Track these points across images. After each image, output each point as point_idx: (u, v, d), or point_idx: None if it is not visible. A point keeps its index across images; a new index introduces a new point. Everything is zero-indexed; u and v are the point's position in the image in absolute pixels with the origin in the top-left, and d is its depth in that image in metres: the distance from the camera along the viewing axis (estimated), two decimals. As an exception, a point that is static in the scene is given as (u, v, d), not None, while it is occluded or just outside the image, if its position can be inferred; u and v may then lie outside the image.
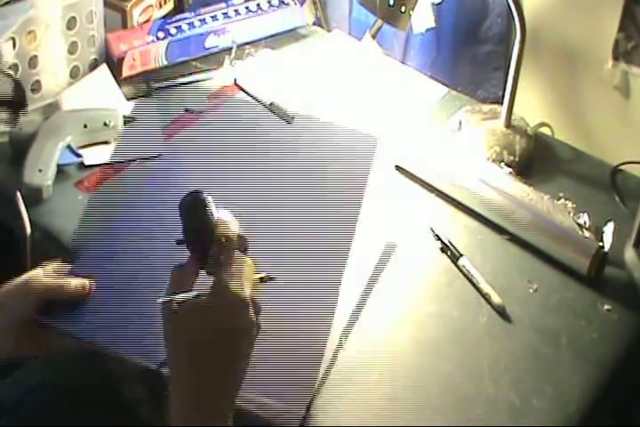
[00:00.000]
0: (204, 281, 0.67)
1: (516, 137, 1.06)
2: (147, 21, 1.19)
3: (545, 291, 0.88)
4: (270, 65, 1.20)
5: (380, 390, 0.78)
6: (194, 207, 0.69)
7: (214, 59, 1.20)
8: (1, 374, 0.86)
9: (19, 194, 0.93)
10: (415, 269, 0.91)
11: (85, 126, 1.00)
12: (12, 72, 1.00)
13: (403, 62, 1.26)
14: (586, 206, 0.97)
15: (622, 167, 1.05)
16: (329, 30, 1.32)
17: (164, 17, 1.22)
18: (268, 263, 0.72)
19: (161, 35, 1.16)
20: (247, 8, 1.23)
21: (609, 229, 0.92)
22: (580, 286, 0.89)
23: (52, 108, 1.06)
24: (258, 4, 1.23)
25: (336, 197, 0.90)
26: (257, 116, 1.04)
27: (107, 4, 1.13)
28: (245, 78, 1.14)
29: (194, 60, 1.20)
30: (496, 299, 0.86)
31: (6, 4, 1.02)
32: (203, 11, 1.21)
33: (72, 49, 1.09)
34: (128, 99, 1.09)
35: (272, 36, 1.26)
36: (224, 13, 1.21)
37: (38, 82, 1.06)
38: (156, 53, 1.16)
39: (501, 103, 1.07)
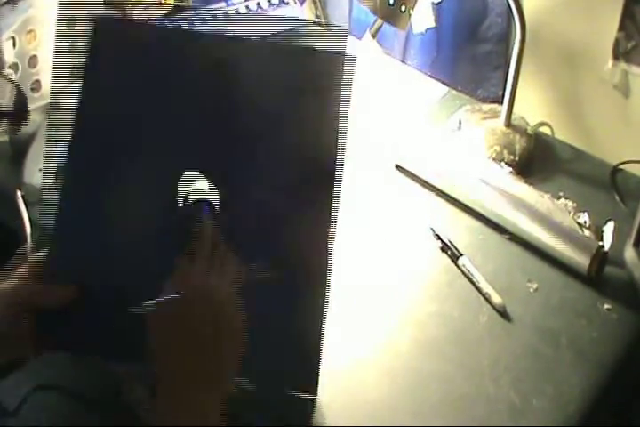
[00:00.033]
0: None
1: (516, 136, 1.06)
2: (147, 21, 1.19)
3: (545, 290, 0.88)
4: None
5: (380, 389, 0.78)
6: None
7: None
8: (1, 374, 0.86)
9: (19, 194, 0.93)
10: (415, 269, 0.91)
11: (85, 126, 1.00)
12: (19, 84, 1.00)
13: (403, 62, 1.26)
14: (586, 206, 0.97)
15: (622, 167, 1.05)
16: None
17: (165, 16, 1.22)
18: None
19: (161, 34, 1.16)
20: (247, 7, 1.23)
21: (609, 229, 0.92)
22: (581, 285, 0.89)
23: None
24: (258, 3, 1.23)
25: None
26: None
27: (107, 4, 1.13)
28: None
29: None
30: (496, 298, 0.86)
31: (6, 3, 1.01)
32: (203, 10, 1.21)
33: (72, 48, 1.09)
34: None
35: (272, 35, 1.26)
36: (224, 12, 1.21)
37: (38, 81, 1.06)
38: (156, 53, 1.16)
39: (501, 102, 1.07)
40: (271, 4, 1.24)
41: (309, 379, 0.74)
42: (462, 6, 1.19)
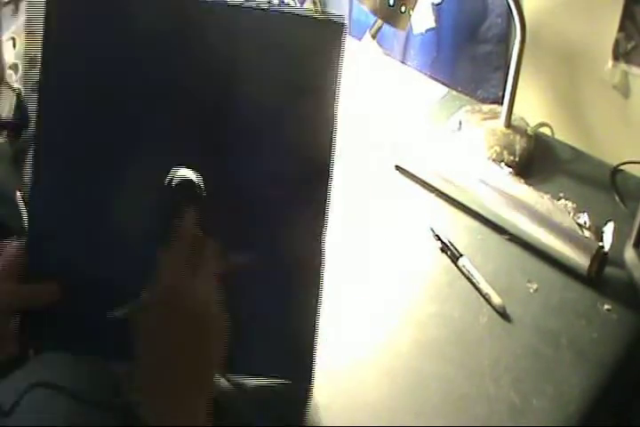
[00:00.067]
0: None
1: (516, 137, 1.06)
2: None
3: (545, 291, 0.88)
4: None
5: (380, 390, 0.78)
6: None
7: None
8: (0, 374, 0.86)
9: (19, 194, 0.93)
10: (415, 270, 0.91)
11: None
12: (20, 92, 1.00)
13: (403, 62, 1.26)
14: (586, 206, 0.97)
15: (622, 167, 1.05)
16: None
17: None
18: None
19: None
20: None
21: (609, 229, 0.92)
22: (581, 285, 0.89)
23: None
24: (258, 4, 1.23)
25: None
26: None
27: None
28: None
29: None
30: (496, 299, 0.86)
31: (7, 3, 1.01)
32: None
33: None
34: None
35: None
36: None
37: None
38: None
39: (501, 103, 1.07)
40: (271, 5, 1.24)
41: (303, 379, 0.74)
42: (462, 7, 1.19)
